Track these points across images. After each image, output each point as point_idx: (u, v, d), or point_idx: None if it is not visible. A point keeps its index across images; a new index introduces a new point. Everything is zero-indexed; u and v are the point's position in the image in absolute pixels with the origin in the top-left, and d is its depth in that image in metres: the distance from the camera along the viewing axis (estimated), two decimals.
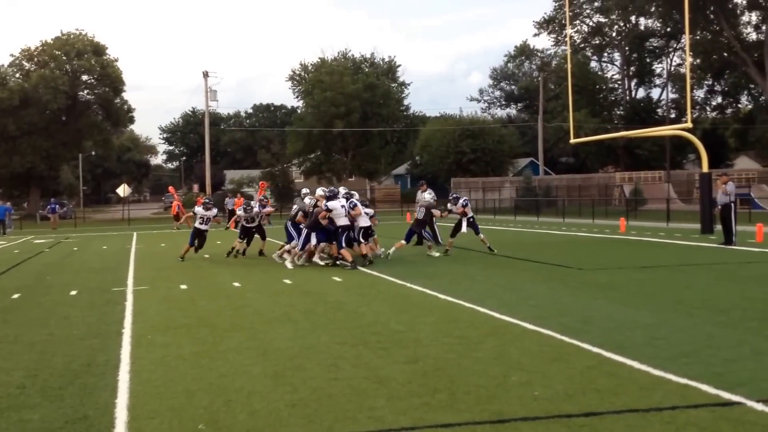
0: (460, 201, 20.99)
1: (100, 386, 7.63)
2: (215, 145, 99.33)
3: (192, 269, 19.33)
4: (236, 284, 15.70)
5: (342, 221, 18.57)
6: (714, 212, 23.78)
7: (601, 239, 26.51)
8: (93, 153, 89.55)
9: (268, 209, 23.85)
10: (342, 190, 20.05)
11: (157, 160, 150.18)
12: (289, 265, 18.98)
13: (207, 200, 23.52)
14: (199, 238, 21.88)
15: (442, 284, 14.44)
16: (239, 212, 21.98)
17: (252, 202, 23.03)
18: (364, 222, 19.12)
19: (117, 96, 70.41)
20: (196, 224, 21.92)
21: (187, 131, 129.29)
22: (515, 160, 77.40)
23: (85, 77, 68.79)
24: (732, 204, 22.23)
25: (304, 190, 21.34)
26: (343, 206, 18.66)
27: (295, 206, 20.27)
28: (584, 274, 16.01)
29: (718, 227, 27.58)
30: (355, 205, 18.91)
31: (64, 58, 66.67)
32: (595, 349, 8.51)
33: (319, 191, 19.82)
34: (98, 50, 68.33)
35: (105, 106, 69.82)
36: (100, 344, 9.79)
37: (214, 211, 22.65)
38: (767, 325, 9.75)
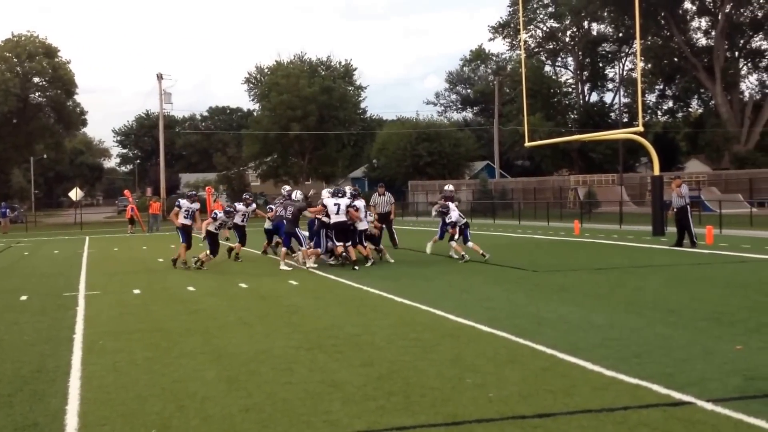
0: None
1: (50, 393, 7.52)
2: (170, 149, 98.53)
3: (146, 274, 19.13)
4: (191, 288, 15.57)
5: (335, 218, 18.65)
6: (668, 215, 24.07)
7: (556, 241, 26.72)
8: (45, 156, 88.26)
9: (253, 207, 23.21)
10: (348, 189, 20.02)
11: (111, 163, 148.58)
12: (311, 264, 18.64)
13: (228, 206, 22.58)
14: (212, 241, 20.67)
15: (398, 287, 14.45)
16: (220, 215, 20.91)
17: (238, 204, 22.63)
18: (362, 225, 19.21)
19: (69, 98, 69.56)
20: (211, 228, 20.80)
21: (142, 134, 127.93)
22: (471, 163, 77.75)
23: (36, 79, 67.89)
24: (687, 206, 22.53)
25: (286, 188, 21.02)
26: (336, 204, 18.69)
27: (289, 208, 19.66)
28: (539, 276, 16.12)
29: (671, 229, 28.06)
30: (357, 207, 19.07)
31: (15, 60, 65.74)
32: (549, 351, 8.57)
33: (326, 192, 20.01)
34: (50, 52, 67.44)
35: (57, 109, 68.93)
36: (50, 350, 9.65)
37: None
38: (717, 326, 9.89)
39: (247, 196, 23.51)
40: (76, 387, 7.69)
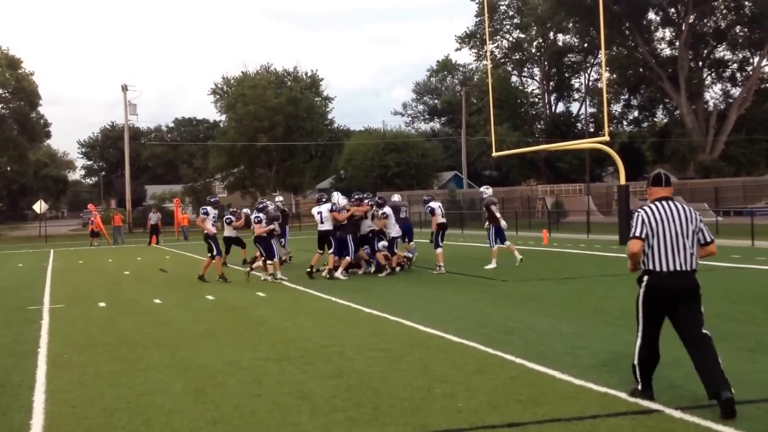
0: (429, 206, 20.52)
1: (14, 407, 7.42)
2: (136, 160, 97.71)
3: (111, 286, 18.94)
4: (157, 301, 15.44)
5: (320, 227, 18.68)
6: None
7: (524, 251, 26.74)
8: (8, 169, 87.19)
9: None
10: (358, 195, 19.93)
11: (76, 175, 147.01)
12: (341, 276, 18.28)
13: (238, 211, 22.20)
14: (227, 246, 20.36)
15: (367, 298, 14.41)
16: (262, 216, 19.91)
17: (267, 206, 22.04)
18: (394, 232, 19.29)
19: (33, 110, 68.73)
20: (226, 233, 20.25)
21: (107, 146, 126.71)
22: (439, 173, 77.95)
23: None
24: None
25: (279, 198, 20.69)
26: (318, 212, 18.65)
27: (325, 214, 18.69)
28: (507, 285, 16.15)
29: None
30: (386, 215, 19.16)
31: None
32: (518, 360, 8.58)
33: (340, 197, 19.93)
34: (13, 63, 66.62)
35: (20, 121, 68.06)
36: (14, 364, 9.52)
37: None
38: None
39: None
40: (41, 401, 7.59)
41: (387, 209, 19.29)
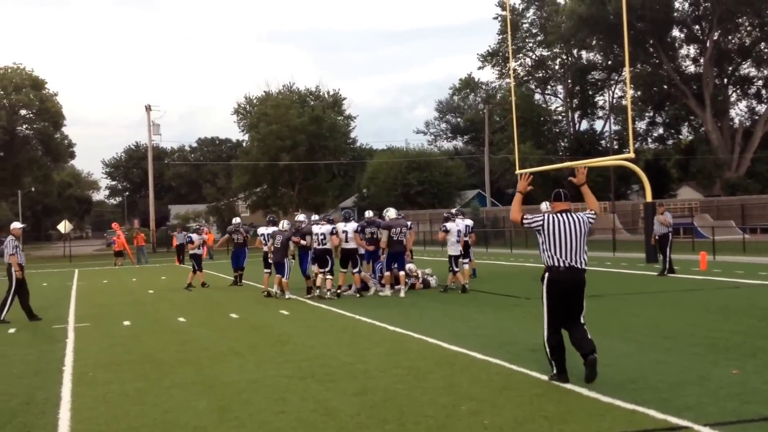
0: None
1: (39, 425, 7.43)
2: (159, 180, 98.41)
3: (136, 305, 18.99)
4: (181, 319, 15.46)
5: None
6: (652, 242, 23.66)
7: None
8: (33, 189, 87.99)
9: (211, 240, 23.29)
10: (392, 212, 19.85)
11: (100, 195, 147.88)
12: (388, 292, 18.42)
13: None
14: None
15: (391, 315, 14.36)
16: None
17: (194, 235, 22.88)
18: (453, 250, 18.89)
19: (57, 131, 69.35)
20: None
21: (131, 166, 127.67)
22: (462, 191, 77.83)
23: (23, 112, 67.67)
24: (669, 233, 22.27)
25: (301, 217, 20.70)
26: (321, 234, 18.46)
27: (278, 237, 18.79)
28: (531, 303, 15.99)
29: None
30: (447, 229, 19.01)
31: (2, 92, 65.53)
32: (544, 377, 8.51)
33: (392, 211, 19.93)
34: (37, 84, 67.30)
35: (45, 141, 68.67)
36: (39, 382, 9.54)
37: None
38: (712, 351, 9.84)
39: (201, 226, 23.95)
40: (66, 419, 7.59)
41: (450, 225, 19.07)
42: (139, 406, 7.96)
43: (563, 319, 8.58)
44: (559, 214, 8.69)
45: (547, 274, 8.57)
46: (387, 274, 18.80)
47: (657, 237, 22.49)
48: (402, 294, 18.16)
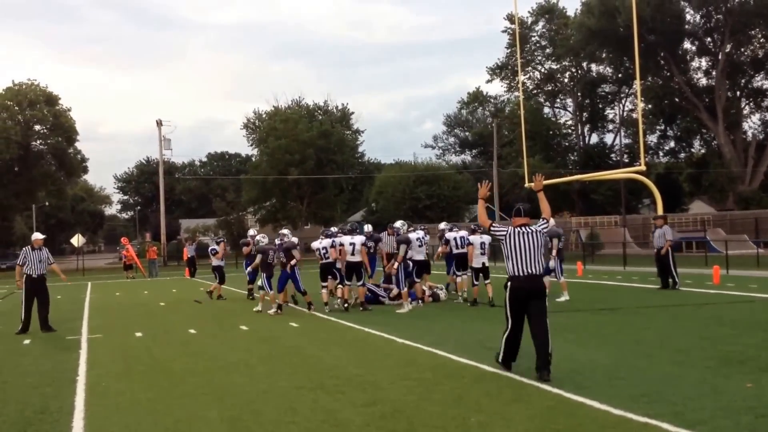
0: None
1: None
2: (170, 194, 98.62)
3: (147, 317, 19.04)
4: (192, 331, 15.49)
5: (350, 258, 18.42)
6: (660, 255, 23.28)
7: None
8: (46, 203, 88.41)
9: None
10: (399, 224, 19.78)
11: (112, 210, 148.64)
12: (407, 307, 17.94)
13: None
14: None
15: (400, 328, 14.34)
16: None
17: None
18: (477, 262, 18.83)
19: (70, 146, 69.82)
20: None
21: (142, 180, 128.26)
22: (471, 205, 77.78)
23: (37, 127, 68.16)
24: (670, 247, 22.07)
25: (333, 229, 20.65)
26: (353, 243, 18.47)
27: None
28: None
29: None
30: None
31: (17, 108, 66.05)
32: (555, 390, 8.48)
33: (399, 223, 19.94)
34: (51, 100, 67.82)
35: (58, 156, 69.11)
36: (53, 392, 9.59)
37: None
38: (726, 365, 9.79)
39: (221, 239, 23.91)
40: (80, 427, 7.65)
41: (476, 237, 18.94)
42: (151, 416, 7.99)
43: (523, 321, 9.81)
44: (519, 228, 9.92)
45: (509, 283, 9.77)
46: (404, 290, 18.34)
47: (657, 249, 22.27)
48: (406, 309, 17.95)
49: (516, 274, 9.68)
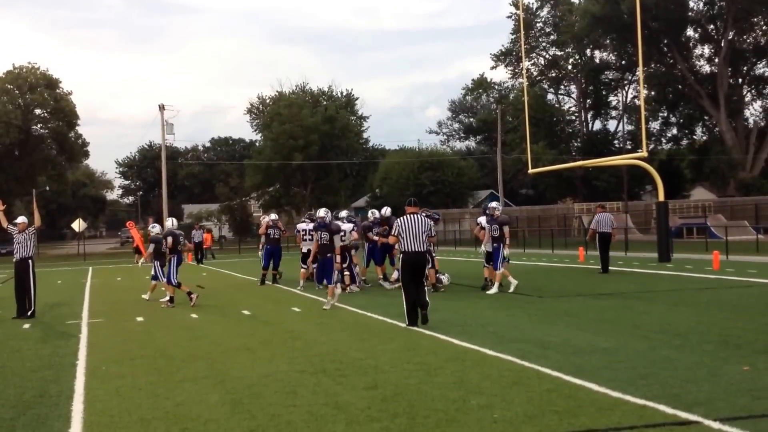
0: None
1: (52, 417, 7.49)
2: (173, 180, 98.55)
3: (148, 303, 19.06)
4: (194, 316, 15.54)
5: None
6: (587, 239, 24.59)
7: (561, 268, 26.69)
8: (47, 188, 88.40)
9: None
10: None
11: (113, 195, 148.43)
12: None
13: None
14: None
15: (402, 313, 14.34)
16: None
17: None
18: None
19: (71, 130, 69.75)
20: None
21: (144, 165, 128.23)
22: (475, 191, 77.75)
23: (38, 111, 68.10)
24: (610, 233, 23.46)
25: (344, 213, 20.83)
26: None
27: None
28: (543, 301, 16.06)
29: (677, 255, 28.06)
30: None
31: (17, 91, 65.98)
32: (554, 373, 8.52)
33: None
34: (51, 84, 67.69)
35: (59, 141, 69.05)
36: (53, 376, 9.62)
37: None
38: (724, 348, 9.84)
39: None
40: (79, 411, 7.65)
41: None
42: (152, 399, 8.02)
43: (415, 287, 12.67)
44: (409, 216, 13.00)
45: (402, 256, 13.00)
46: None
47: (598, 234, 23.50)
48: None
49: (407, 250, 12.76)
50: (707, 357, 9.30)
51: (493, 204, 18.93)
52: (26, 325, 14.90)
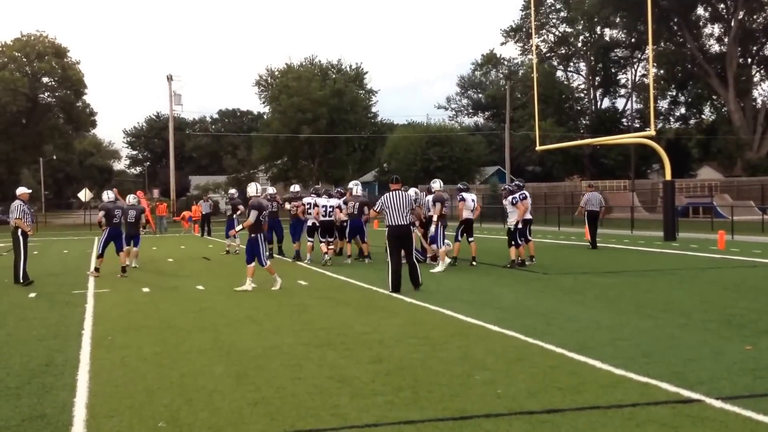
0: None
1: (58, 386, 7.53)
2: (180, 151, 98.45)
3: (155, 273, 19.16)
4: (200, 287, 15.60)
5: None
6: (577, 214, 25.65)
7: (567, 245, 26.70)
8: (54, 157, 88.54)
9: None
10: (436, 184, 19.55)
11: (121, 165, 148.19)
12: (440, 268, 17.73)
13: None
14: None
15: (408, 287, 14.42)
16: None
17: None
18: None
19: (78, 99, 69.59)
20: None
21: (152, 136, 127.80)
22: (482, 168, 77.59)
23: (45, 79, 67.95)
24: (598, 211, 24.63)
25: (353, 183, 21.06)
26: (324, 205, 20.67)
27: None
28: (549, 278, 16.09)
29: (683, 234, 28.07)
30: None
31: (24, 59, 65.84)
32: (558, 350, 8.55)
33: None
34: (59, 52, 67.49)
35: (66, 109, 68.93)
36: (59, 345, 9.66)
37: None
38: (727, 327, 9.86)
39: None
40: (85, 380, 7.69)
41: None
42: (157, 370, 8.07)
43: (399, 257, 14.00)
44: (393, 192, 14.26)
45: (387, 230, 14.20)
46: (442, 249, 18.15)
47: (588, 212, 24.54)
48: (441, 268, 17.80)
49: (391, 224, 14.09)
50: (710, 336, 9.32)
51: (435, 183, 19.52)
52: (32, 294, 14.98)
